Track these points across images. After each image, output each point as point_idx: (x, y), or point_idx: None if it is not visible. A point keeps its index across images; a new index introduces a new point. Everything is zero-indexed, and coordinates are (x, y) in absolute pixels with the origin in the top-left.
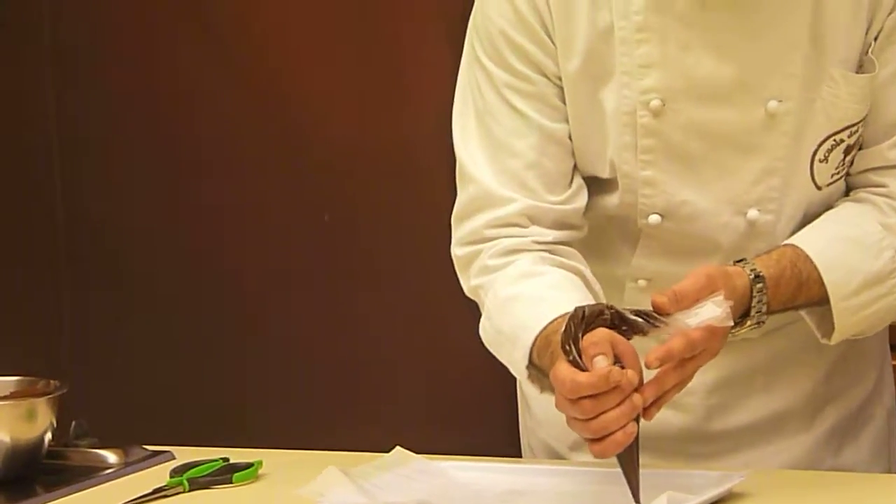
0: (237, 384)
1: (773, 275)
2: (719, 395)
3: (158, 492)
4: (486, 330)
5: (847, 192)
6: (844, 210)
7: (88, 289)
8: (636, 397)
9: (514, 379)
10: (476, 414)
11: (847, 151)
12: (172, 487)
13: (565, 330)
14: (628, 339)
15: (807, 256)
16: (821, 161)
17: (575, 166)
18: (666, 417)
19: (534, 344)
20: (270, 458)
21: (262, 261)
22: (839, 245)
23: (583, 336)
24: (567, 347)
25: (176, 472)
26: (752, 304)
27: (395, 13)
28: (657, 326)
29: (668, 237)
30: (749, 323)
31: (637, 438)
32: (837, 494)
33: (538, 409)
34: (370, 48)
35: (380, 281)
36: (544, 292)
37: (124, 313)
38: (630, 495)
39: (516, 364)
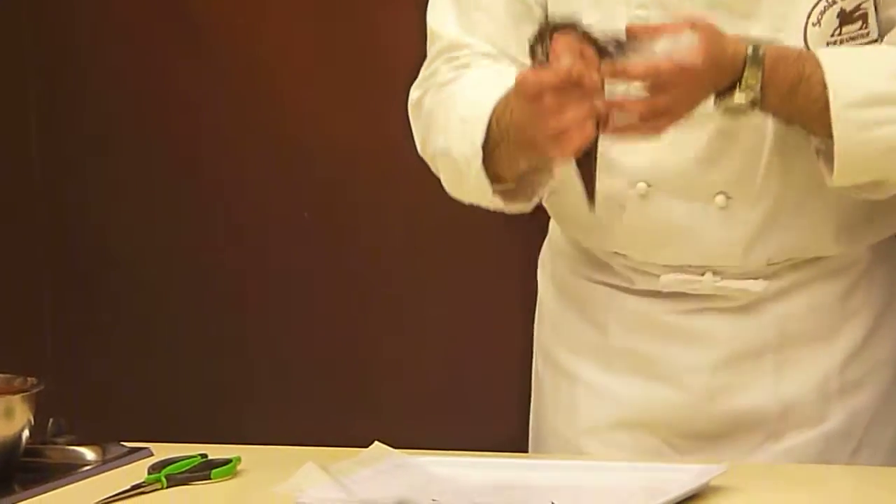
0: (228, 382)
1: (773, 54)
2: (723, 375)
3: (136, 488)
4: (440, 131)
5: None
6: (879, 46)
7: (67, 286)
8: (597, 100)
9: (524, 371)
10: (484, 409)
11: (842, 18)
12: (150, 484)
13: (536, 33)
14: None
15: (815, 57)
16: (814, 24)
17: None
18: (668, 397)
19: (491, 118)
20: (249, 455)
21: (247, 257)
22: (855, 58)
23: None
24: (535, 48)
25: (154, 469)
26: (744, 76)
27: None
28: (623, 52)
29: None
30: (738, 94)
31: (596, 145)
32: (817, 488)
33: (549, 394)
34: (359, 40)
35: (381, 279)
36: (502, 73)
37: (103, 310)
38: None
39: (473, 147)
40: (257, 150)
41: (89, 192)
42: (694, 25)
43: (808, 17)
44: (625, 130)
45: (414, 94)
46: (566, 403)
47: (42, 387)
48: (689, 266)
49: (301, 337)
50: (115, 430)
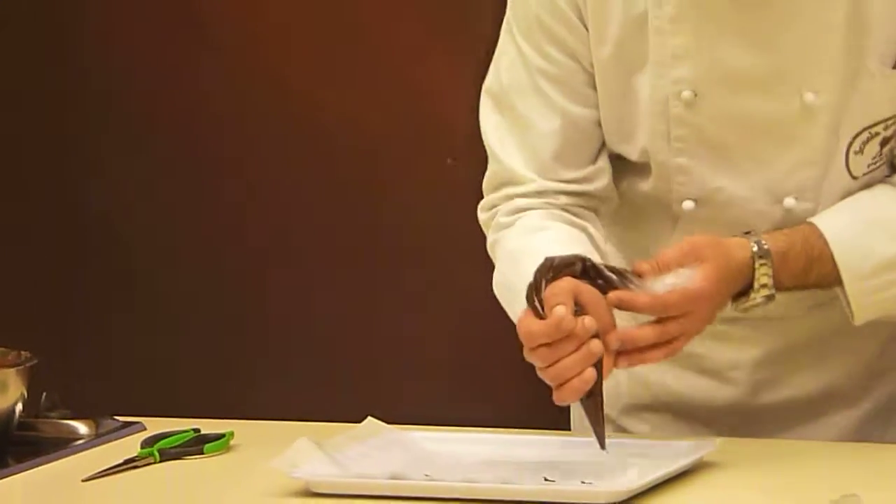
0: (223, 358)
1: (781, 248)
2: (766, 370)
3: (129, 462)
4: (497, 285)
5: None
6: (874, 192)
7: (63, 260)
8: (594, 343)
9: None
10: (512, 386)
11: (883, 143)
12: (143, 458)
13: (532, 280)
14: (603, 293)
15: (820, 234)
16: (856, 153)
17: (602, 148)
18: (712, 390)
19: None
20: (242, 430)
21: (244, 234)
22: (857, 225)
23: (547, 286)
24: (530, 297)
25: (147, 443)
26: (756, 277)
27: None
28: (628, 286)
29: (705, 222)
30: (753, 296)
31: (600, 385)
32: (807, 462)
33: None
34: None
35: (382, 256)
36: (546, 246)
37: (97, 284)
38: (604, 463)
39: (513, 314)
40: (256, 124)
41: (90, 169)
42: (697, 254)
43: (850, 146)
44: (639, 360)
45: (481, 215)
46: (608, 383)
47: (36, 361)
48: None
49: (298, 313)
50: (108, 405)
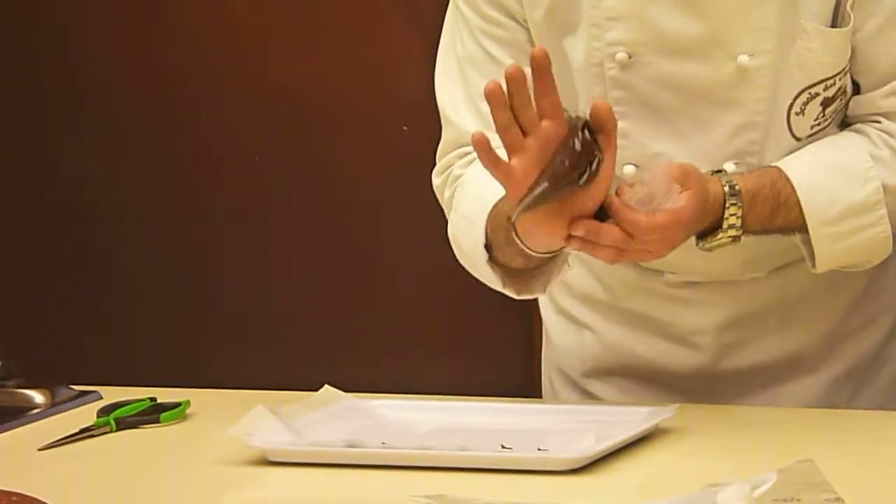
0: (180, 326)
1: (750, 189)
2: (730, 334)
3: (85, 431)
4: (455, 226)
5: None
6: (836, 138)
7: (15, 228)
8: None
9: (531, 315)
10: (490, 353)
11: (825, 104)
12: (99, 427)
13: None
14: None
15: (787, 178)
16: (797, 114)
17: None
18: (677, 355)
19: (489, 215)
20: (198, 398)
21: (201, 202)
22: (823, 171)
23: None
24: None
25: (103, 412)
26: (725, 216)
27: None
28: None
29: None
30: (721, 235)
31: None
32: (765, 429)
33: (555, 336)
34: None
35: (354, 225)
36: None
37: (54, 255)
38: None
39: (476, 247)
40: (213, 93)
41: (48, 140)
42: (685, 179)
43: (791, 107)
44: (590, 249)
45: (435, 180)
46: (574, 347)
47: None
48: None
49: (254, 282)
50: (64, 374)
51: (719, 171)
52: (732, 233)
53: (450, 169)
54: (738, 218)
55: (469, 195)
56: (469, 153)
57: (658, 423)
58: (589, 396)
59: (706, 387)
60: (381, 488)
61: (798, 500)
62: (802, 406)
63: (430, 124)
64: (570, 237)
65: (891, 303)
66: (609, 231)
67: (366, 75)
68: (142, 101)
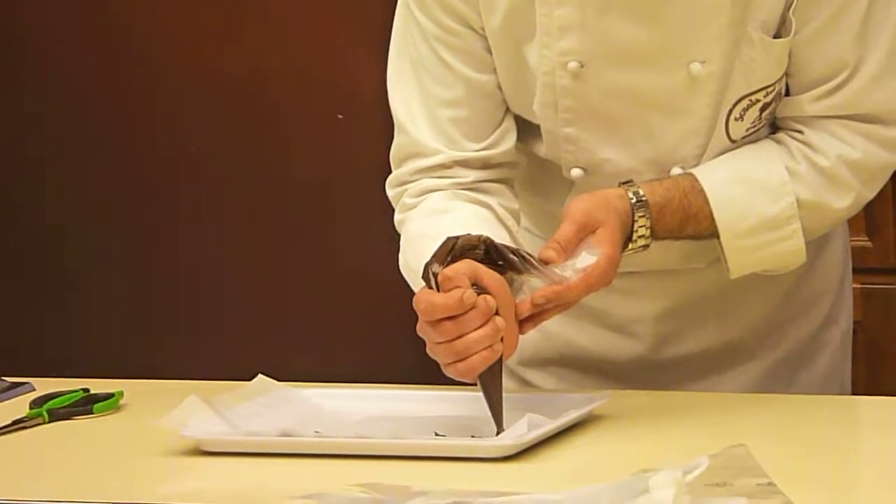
0: (114, 317)
1: (658, 202)
2: (669, 323)
3: (17, 423)
4: (402, 265)
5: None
6: (755, 149)
7: None
8: (498, 319)
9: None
10: (402, 343)
11: (763, 109)
12: (32, 419)
13: (429, 259)
14: (502, 274)
15: (701, 190)
16: (736, 119)
17: (507, 111)
18: (616, 344)
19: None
20: (131, 388)
21: (136, 189)
22: (738, 185)
23: (446, 267)
24: (426, 276)
25: (35, 404)
26: (634, 229)
27: None
28: (531, 271)
29: (596, 189)
30: (631, 246)
31: (500, 365)
32: (700, 414)
33: None
34: None
35: (288, 211)
36: (448, 229)
37: None
38: (492, 422)
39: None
40: (156, 75)
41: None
42: (592, 222)
43: (730, 112)
44: (540, 319)
45: (389, 192)
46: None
47: None
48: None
49: (187, 271)
50: None
51: (627, 182)
52: (642, 242)
53: (403, 187)
54: (647, 228)
55: (413, 250)
56: (421, 171)
57: (592, 410)
58: (527, 385)
59: (645, 375)
60: (316, 477)
61: (730, 484)
62: (741, 393)
63: (364, 113)
64: (523, 325)
65: (827, 288)
66: (574, 284)
67: (302, 63)
68: (89, 87)
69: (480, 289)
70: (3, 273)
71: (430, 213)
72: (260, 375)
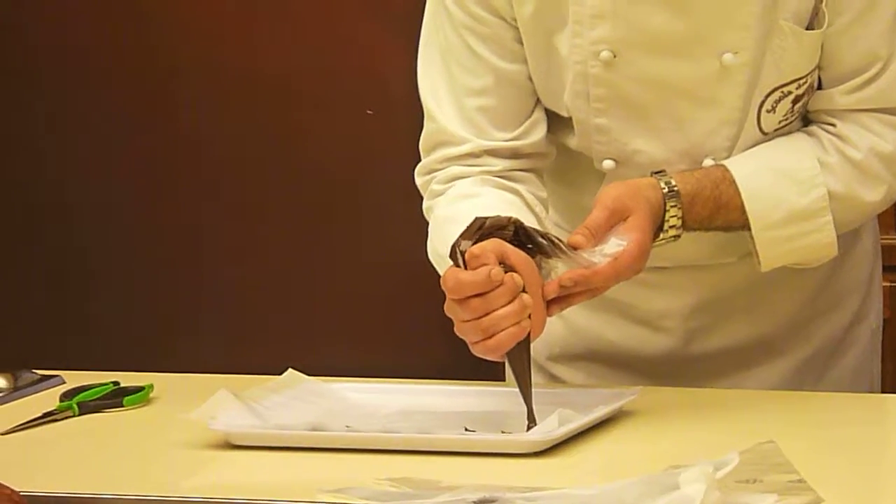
0: (143, 311)
1: (690, 191)
2: (699, 318)
3: (48, 416)
4: (429, 251)
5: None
6: (787, 141)
7: None
8: (525, 297)
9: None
10: (432, 337)
11: (795, 101)
12: (62, 412)
13: (458, 237)
14: (533, 257)
15: (732, 180)
16: (768, 111)
17: (538, 102)
18: (645, 339)
19: None
20: (161, 382)
21: (173, 185)
22: (769, 175)
23: (473, 245)
24: (453, 253)
25: (66, 397)
26: (665, 218)
27: None
28: (559, 255)
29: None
30: (662, 236)
31: (528, 343)
32: (729, 411)
33: None
34: None
35: (318, 208)
36: (475, 212)
37: (13, 238)
38: (523, 417)
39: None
40: (183, 73)
41: (11, 122)
42: (623, 209)
43: (762, 104)
44: (567, 303)
45: (418, 179)
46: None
47: None
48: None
49: (218, 266)
50: (26, 358)
51: (659, 172)
52: (673, 233)
53: (432, 175)
54: (678, 219)
55: (441, 234)
56: (450, 159)
57: (622, 406)
58: (555, 380)
59: (674, 370)
60: (345, 471)
61: (760, 480)
62: (770, 389)
63: (393, 107)
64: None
65: (857, 284)
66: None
67: (329, 58)
68: (104, 87)
69: (508, 267)
70: (35, 267)
71: (458, 198)
72: (290, 370)
